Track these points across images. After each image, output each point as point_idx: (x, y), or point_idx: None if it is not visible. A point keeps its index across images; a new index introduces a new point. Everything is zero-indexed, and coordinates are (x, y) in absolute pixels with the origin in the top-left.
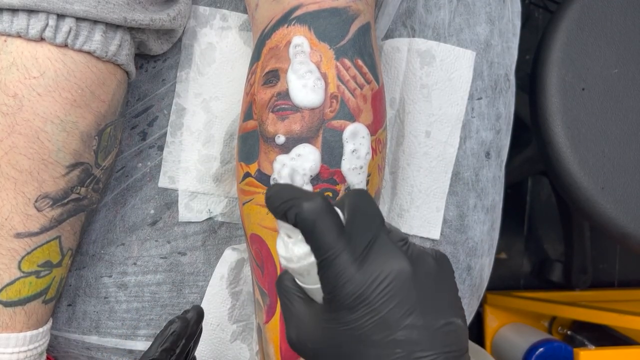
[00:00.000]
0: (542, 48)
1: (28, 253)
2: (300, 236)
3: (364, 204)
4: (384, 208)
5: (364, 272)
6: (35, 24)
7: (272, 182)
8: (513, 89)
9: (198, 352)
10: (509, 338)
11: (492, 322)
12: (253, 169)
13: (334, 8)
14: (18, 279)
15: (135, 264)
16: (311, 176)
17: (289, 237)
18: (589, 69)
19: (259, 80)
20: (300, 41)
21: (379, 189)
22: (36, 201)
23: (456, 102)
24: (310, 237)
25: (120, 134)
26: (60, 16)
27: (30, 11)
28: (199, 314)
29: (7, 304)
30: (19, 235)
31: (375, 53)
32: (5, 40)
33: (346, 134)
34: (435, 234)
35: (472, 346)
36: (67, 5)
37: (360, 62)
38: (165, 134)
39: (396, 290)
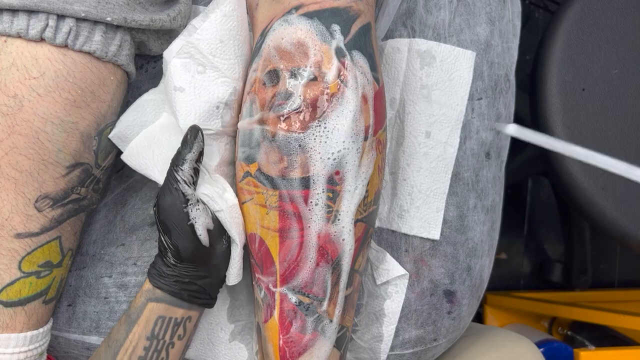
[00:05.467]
0: (542, 48)
1: (28, 253)
2: None
3: None
4: (384, 208)
5: None
6: (36, 25)
7: None
8: (513, 89)
9: (196, 351)
10: None
11: (492, 322)
12: (253, 168)
13: (335, 8)
14: (18, 279)
15: (135, 264)
16: None
17: None
18: (589, 69)
19: (259, 80)
20: (301, 41)
21: (378, 190)
22: (36, 201)
23: (456, 103)
24: None
25: None
26: (60, 16)
27: (31, 11)
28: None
29: (8, 304)
30: (19, 236)
31: (375, 53)
32: (5, 41)
33: None
34: (436, 235)
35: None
36: (67, 5)
37: (361, 63)
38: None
39: None
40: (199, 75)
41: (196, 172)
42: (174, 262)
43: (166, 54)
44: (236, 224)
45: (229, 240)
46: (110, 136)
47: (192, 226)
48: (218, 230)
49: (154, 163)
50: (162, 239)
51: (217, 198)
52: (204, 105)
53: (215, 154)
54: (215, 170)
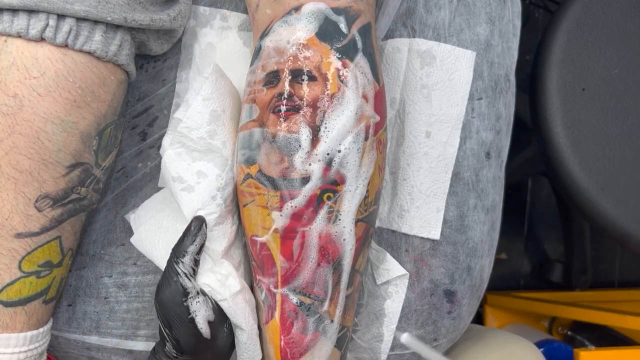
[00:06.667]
0: (542, 48)
1: (28, 253)
2: None
3: None
4: (384, 208)
5: None
6: (36, 24)
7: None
8: (513, 89)
9: None
10: None
11: (492, 322)
12: (254, 170)
13: (334, 8)
14: (18, 279)
15: (135, 264)
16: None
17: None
18: (589, 69)
19: (259, 81)
20: (301, 42)
21: (379, 190)
22: (36, 201)
23: (456, 103)
24: None
25: (120, 134)
26: (61, 16)
27: (31, 11)
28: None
29: (8, 304)
30: (19, 236)
31: (375, 53)
32: (5, 41)
33: None
34: (436, 235)
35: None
36: (68, 5)
37: (361, 62)
38: (165, 134)
39: None
40: (195, 163)
41: (197, 263)
42: (175, 355)
43: (161, 150)
44: (241, 310)
45: (230, 326)
46: (130, 218)
47: (192, 320)
48: (219, 319)
49: (159, 249)
50: (163, 331)
51: (219, 287)
52: (204, 189)
53: (221, 238)
54: (222, 255)
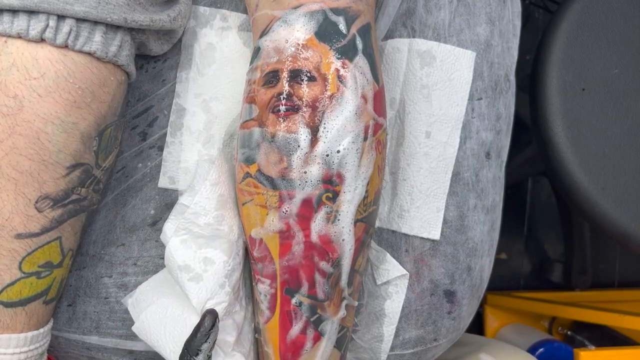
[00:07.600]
0: (542, 48)
1: (29, 254)
2: None
3: None
4: (384, 208)
5: None
6: (36, 25)
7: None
8: (513, 89)
9: None
10: (509, 338)
11: (492, 322)
12: (253, 169)
13: (334, 8)
14: (19, 279)
15: (135, 264)
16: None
17: None
18: (589, 69)
19: (259, 81)
20: (300, 42)
21: (378, 190)
22: (37, 202)
23: (456, 103)
24: None
25: (120, 134)
26: (61, 17)
27: (31, 12)
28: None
29: (8, 305)
30: (19, 236)
31: (375, 53)
32: (5, 41)
33: None
34: (436, 235)
35: (480, 339)
36: (68, 6)
37: (360, 63)
38: (165, 134)
39: None
40: (201, 250)
41: (209, 359)
42: None
43: (162, 237)
44: None
45: None
46: (127, 303)
47: None
48: None
49: (166, 341)
50: None
51: None
52: (212, 277)
53: (231, 328)
54: (233, 346)
